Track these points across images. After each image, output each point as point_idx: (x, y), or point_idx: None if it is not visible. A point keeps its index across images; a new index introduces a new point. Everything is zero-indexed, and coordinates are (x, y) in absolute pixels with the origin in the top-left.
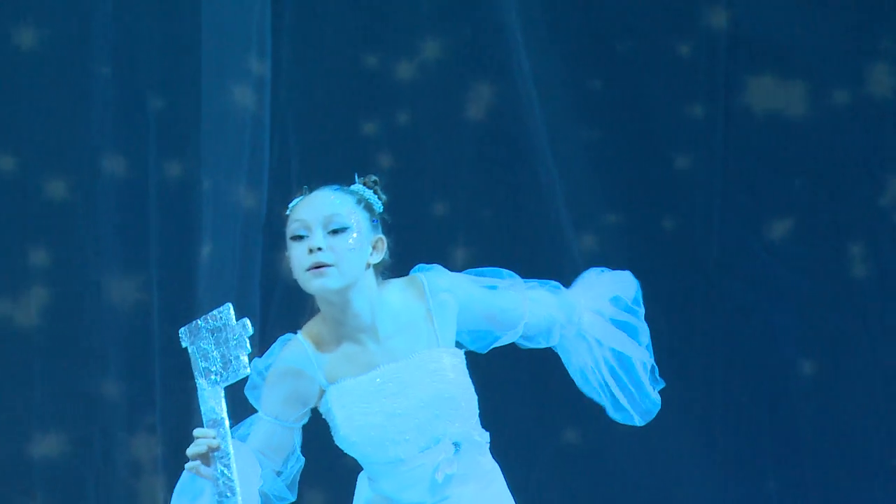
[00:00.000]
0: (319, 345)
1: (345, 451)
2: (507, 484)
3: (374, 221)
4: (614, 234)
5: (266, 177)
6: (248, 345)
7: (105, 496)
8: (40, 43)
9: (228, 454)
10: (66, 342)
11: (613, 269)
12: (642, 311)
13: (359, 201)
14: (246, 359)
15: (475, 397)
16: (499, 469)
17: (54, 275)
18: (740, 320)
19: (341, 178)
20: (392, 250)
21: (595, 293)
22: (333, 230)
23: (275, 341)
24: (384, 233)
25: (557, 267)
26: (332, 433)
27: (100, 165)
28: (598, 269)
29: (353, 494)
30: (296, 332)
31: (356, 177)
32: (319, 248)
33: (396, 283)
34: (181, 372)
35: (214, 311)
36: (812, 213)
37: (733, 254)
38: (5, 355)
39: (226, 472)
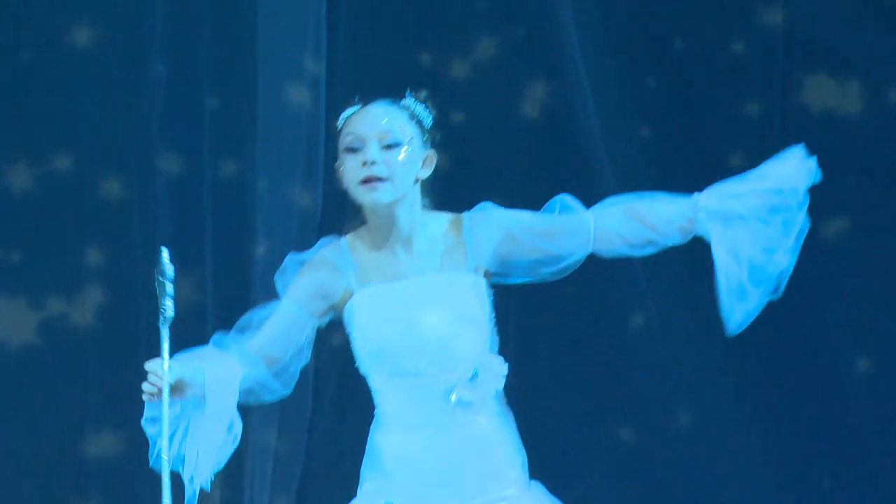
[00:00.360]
0: (357, 249)
1: (362, 369)
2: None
3: (424, 137)
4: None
5: (321, 176)
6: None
7: (159, 495)
8: (96, 42)
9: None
10: (120, 342)
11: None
12: None
13: (411, 116)
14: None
15: (494, 329)
16: (511, 418)
17: (109, 274)
18: (795, 319)
19: None
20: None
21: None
22: (387, 145)
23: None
24: (433, 148)
25: (612, 265)
26: (353, 342)
27: (155, 165)
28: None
29: None
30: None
31: (408, 92)
32: (374, 162)
33: (440, 214)
34: None
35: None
36: (867, 211)
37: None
38: (61, 355)
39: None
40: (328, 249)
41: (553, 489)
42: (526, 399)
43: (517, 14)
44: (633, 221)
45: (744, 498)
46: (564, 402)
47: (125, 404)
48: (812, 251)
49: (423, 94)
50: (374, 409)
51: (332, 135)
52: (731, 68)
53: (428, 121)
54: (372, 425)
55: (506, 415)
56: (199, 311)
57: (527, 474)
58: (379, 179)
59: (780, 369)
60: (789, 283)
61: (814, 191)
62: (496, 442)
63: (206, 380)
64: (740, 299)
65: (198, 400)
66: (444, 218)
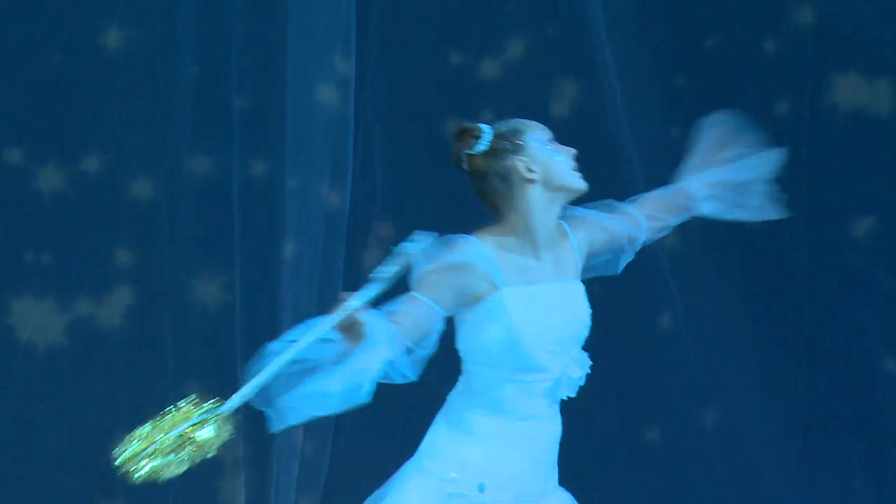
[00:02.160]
0: (498, 249)
1: (478, 360)
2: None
3: None
4: (698, 232)
5: (350, 176)
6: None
7: (186, 496)
8: (126, 43)
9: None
10: (149, 342)
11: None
12: None
13: None
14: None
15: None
16: None
17: (138, 275)
18: (826, 317)
19: (425, 178)
20: None
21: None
22: None
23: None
24: None
25: (640, 265)
26: (476, 334)
27: (185, 165)
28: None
29: None
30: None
31: None
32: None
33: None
34: None
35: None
36: None
37: (818, 250)
38: (90, 355)
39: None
40: (468, 249)
41: (581, 489)
42: None
43: (547, 13)
44: (655, 211)
45: (775, 498)
46: (592, 402)
47: (152, 405)
48: (842, 249)
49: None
50: (436, 402)
51: (361, 134)
52: (762, 66)
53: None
54: (457, 410)
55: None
56: (227, 311)
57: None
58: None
59: (809, 368)
60: (820, 281)
61: (844, 189)
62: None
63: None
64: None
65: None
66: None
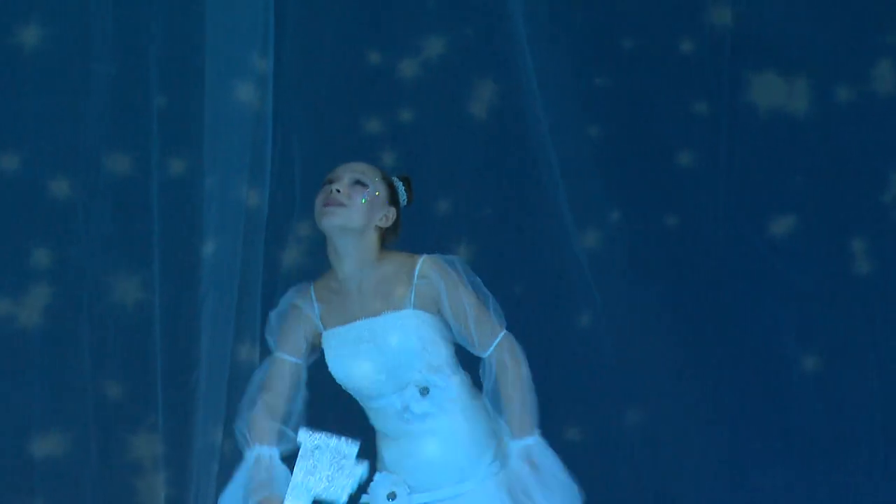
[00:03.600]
0: (320, 293)
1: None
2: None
3: (390, 198)
4: (617, 232)
5: (268, 174)
6: (355, 486)
7: (105, 495)
8: (43, 41)
9: None
10: (67, 341)
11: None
12: None
13: (383, 178)
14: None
15: (444, 350)
16: (474, 406)
17: (56, 274)
18: (743, 316)
19: None
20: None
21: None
22: (356, 181)
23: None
24: (397, 211)
25: (559, 264)
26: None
27: (102, 164)
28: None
29: None
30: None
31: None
32: (339, 190)
33: (398, 254)
34: (182, 370)
35: (344, 441)
36: (815, 209)
37: (736, 250)
38: (7, 354)
39: None
40: (295, 292)
41: None
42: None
43: (466, 13)
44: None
45: (692, 495)
46: None
47: (71, 404)
48: (760, 249)
49: (406, 178)
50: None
51: (280, 132)
52: (680, 67)
53: (402, 196)
54: None
55: (471, 411)
56: (146, 310)
57: (496, 462)
58: (337, 204)
59: (729, 367)
60: (738, 280)
61: (762, 189)
62: (468, 435)
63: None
64: None
65: None
66: (401, 258)
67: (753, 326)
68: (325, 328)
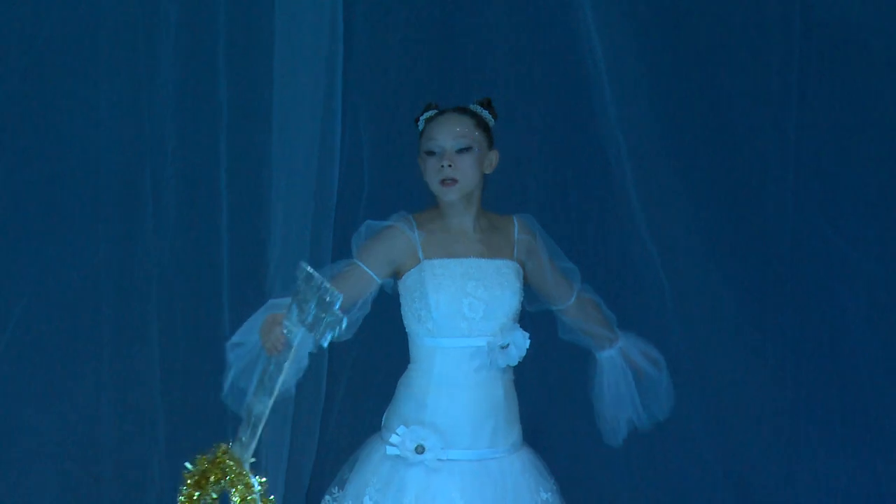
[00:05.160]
0: (423, 226)
1: (415, 322)
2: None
3: (488, 139)
4: (685, 217)
5: (338, 160)
6: (337, 331)
7: (172, 480)
8: (111, 28)
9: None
10: (135, 328)
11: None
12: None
13: (477, 123)
14: (328, 338)
15: (520, 309)
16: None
17: (124, 260)
18: (812, 303)
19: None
20: None
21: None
22: (460, 149)
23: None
24: (495, 148)
25: (626, 249)
26: (409, 305)
27: (170, 152)
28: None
29: None
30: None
31: (473, 101)
32: (450, 165)
33: (489, 213)
34: None
35: (329, 289)
36: (883, 195)
37: (804, 235)
38: (76, 339)
39: (273, 375)
40: (401, 222)
41: (573, 476)
42: None
43: None
44: (589, 318)
45: (757, 483)
46: (581, 386)
47: (139, 391)
48: (829, 234)
49: (486, 99)
50: (397, 380)
51: (348, 118)
52: (752, 55)
53: (491, 121)
54: (405, 380)
55: (513, 383)
56: (215, 297)
57: (521, 436)
58: (453, 181)
59: (797, 355)
60: (808, 268)
61: (832, 176)
62: (506, 403)
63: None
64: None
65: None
66: (492, 215)
67: (822, 313)
68: (426, 256)
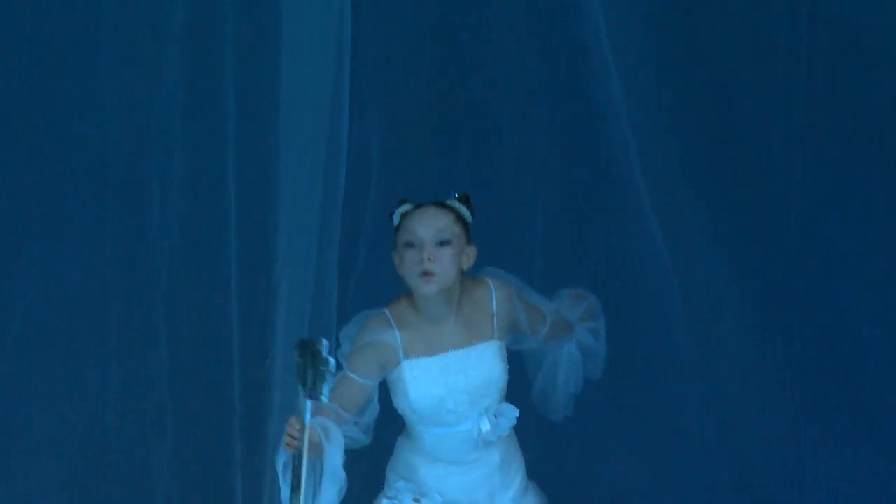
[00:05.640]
0: (401, 322)
1: (401, 413)
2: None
3: (467, 234)
4: (691, 214)
5: (345, 156)
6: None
7: (181, 478)
8: (119, 21)
9: (303, 455)
10: (142, 322)
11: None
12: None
13: (456, 218)
14: (327, 390)
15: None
16: (512, 432)
17: (131, 254)
18: (817, 297)
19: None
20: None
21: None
22: (439, 242)
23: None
24: (472, 244)
25: (634, 244)
26: (394, 397)
27: (178, 146)
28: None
29: None
30: (382, 307)
31: (454, 194)
32: (430, 259)
33: (469, 282)
34: (257, 353)
35: (321, 342)
36: (889, 190)
37: (811, 230)
38: (83, 334)
39: (297, 466)
40: (378, 326)
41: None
42: None
43: None
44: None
45: (765, 475)
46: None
47: (147, 387)
48: (835, 229)
49: (465, 195)
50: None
51: (356, 113)
52: (760, 41)
53: (468, 217)
54: (400, 442)
55: (514, 438)
56: (222, 291)
57: (524, 480)
58: (432, 274)
59: (800, 346)
60: (812, 259)
61: (838, 167)
62: (503, 464)
63: (325, 445)
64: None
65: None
66: (472, 286)
67: (827, 308)
68: (406, 357)
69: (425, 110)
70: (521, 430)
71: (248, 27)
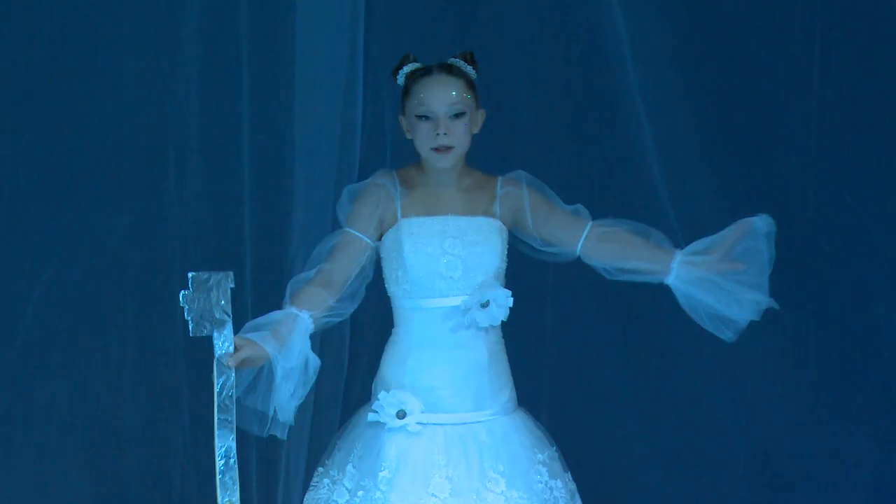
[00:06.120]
0: (405, 182)
1: (393, 284)
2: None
3: (477, 98)
4: (707, 196)
5: (359, 135)
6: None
7: (196, 458)
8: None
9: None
10: (156, 301)
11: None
12: None
13: (467, 83)
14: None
15: (505, 268)
16: (503, 344)
17: (146, 233)
18: (834, 277)
19: None
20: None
21: None
22: (454, 114)
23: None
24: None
25: (648, 224)
26: (388, 265)
27: (192, 124)
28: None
29: None
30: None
31: (457, 55)
32: (445, 133)
33: (475, 171)
34: None
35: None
36: None
37: (826, 209)
38: (97, 315)
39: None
40: (381, 176)
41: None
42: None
43: None
44: (618, 248)
45: (779, 455)
46: (601, 357)
47: (162, 367)
48: (852, 207)
49: (469, 53)
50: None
51: (370, 93)
52: (772, 23)
53: (474, 76)
54: (388, 345)
55: (501, 345)
56: (237, 268)
57: (514, 400)
58: (448, 148)
59: (817, 327)
60: (827, 238)
61: (852, 147)
62: (491, 365)
63: (271, 355)
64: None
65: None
66: (477, 174)
67: (843, 285)
68: (403, 215)
69: None
70: (537, 416)
71: (264, 9)
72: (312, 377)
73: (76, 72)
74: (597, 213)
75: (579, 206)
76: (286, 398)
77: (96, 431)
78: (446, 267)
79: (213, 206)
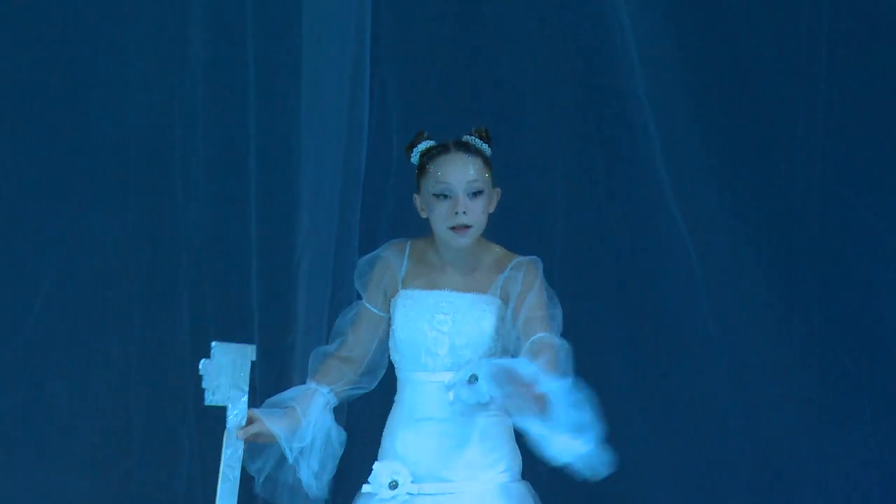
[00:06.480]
0: (415, 253)
1: (393, 353)
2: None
3: (493, 177)
4: (714, 191)
5: (365, 131)
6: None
7: (202, 454)
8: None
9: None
10: (164, 301)
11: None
12: None
13: (485, 163)
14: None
15: (499, 351)
16: (506, 419)
17: (153, 233)
18: (840, 277)
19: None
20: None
21: None
22: (473, 192)
23: None
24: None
25: (657, 224)
26: (390, 335)
27: (199, 123)
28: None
29: None
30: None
31: (472, 132)
32: (465, 212)
33: (497, 247)
34: (279, 331)
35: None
36: None
37: (833, 207)
38: (105, 311)
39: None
40: (391, 249)
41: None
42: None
43: None
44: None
45: (785, 453)
46: (603, 349)
47: (169, 364)
48: (858, 208)
49: (483, 130)
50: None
51: (377, 90)
52: (780, 23)
53: (490, 155)
54: (389, 414)
55: (500, 417)
56: (244, 268)
57: (513, 472)
58: (466, 227)
59: (824, 326)
60: (835, 239)
61: (861, 149)
62: (484, 440)
63: (276, 435)
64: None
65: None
66: (496, 251)
67: (849, 285)
68: (403, 286)
69: (446, 90)
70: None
71: (270, 5)
72: (339, 450)
73: (83, 72)
74: (603, 214)
75: (553, 317)
76: (310, 475)
77: (101, 432)
78: (433, 343)
79: (219, 207)
